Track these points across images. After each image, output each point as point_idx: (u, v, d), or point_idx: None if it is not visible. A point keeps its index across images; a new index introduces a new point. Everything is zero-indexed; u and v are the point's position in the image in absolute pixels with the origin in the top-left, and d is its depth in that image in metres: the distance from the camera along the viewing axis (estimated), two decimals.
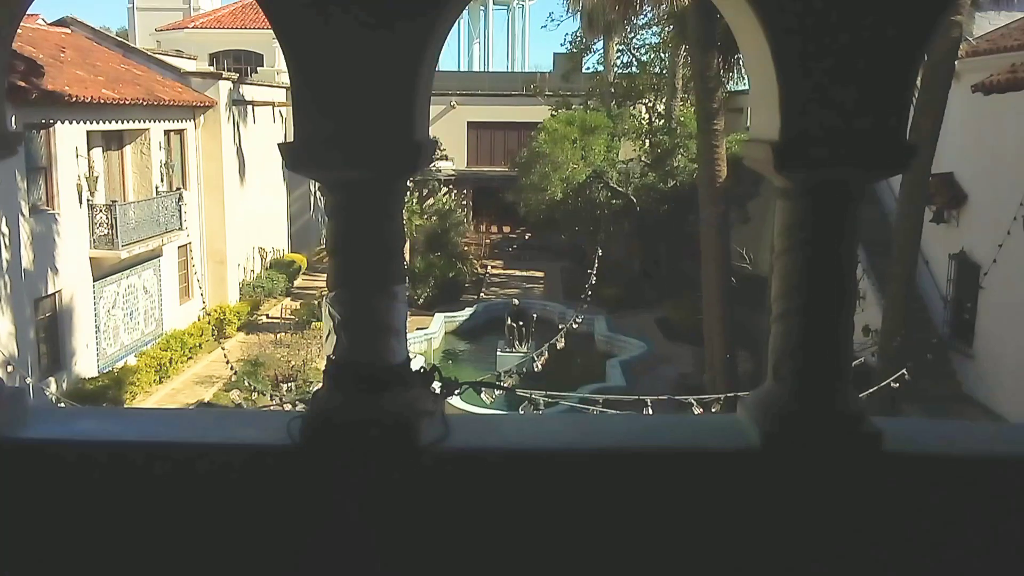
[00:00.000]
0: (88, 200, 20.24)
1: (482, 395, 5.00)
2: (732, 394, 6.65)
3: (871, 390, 8.95)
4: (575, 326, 7.30)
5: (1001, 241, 14.30)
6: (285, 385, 20.96)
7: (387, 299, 2.73)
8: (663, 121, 34.16)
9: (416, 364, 3.01)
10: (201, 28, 44.49)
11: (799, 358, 2.56)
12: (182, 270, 25.73)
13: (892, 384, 8.90)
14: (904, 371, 9.20)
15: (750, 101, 2.90)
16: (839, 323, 2.57)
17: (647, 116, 36.20)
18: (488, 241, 41.63)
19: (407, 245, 33.22)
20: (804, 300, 2.53)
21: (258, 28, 44.28)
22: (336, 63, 2.55)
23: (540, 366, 6.14)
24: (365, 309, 2.70)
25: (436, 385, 3.01)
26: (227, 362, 9.75)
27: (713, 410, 6.04)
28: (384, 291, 2.72)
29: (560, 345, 6.91)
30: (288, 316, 28.11)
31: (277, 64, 43.32)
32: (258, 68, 43.17)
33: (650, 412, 5.37)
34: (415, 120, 2.63)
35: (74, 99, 18.63)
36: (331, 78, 2.57)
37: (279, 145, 2.69)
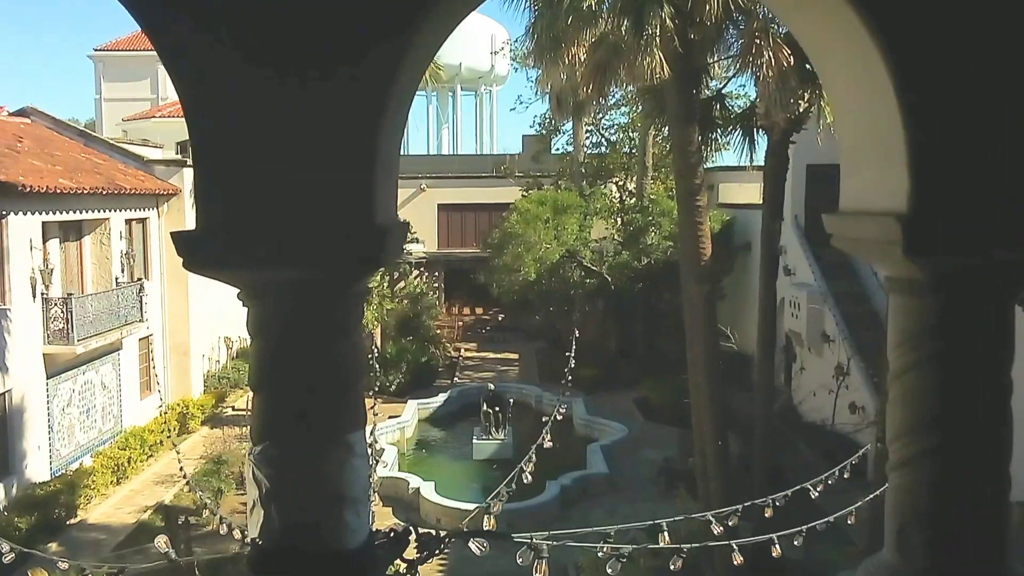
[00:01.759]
0: (43, 294, 19.36)
1: (471, 546, 4.21)
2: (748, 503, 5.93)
3: (874, 493, 8.21)
4: (559, 418, 6.59)
5: None
6: None
7: (341, 454, 2.05)
8: (635, 199, 34.01)
9: (386, 523, 2.30)
10: (168, 117, 44.09)
11: (934, 524, 1.82)
12: (143, 363, 24.73)
13: None
14: None
15: (844, 160, 2.21)
16: (995, 471, 1.82)
17: (618, 195, 36.09)
18: (461, 324, 40.92)
19: (378, 331, 32.66)
20: (939, 439, 1.81)
21: None
22: (262, 120, 1.91)
23: (530, 476, 5.40)
24: (307, 471, 2.02)
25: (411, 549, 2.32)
26: (181, 469, 8.88)
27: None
28: (336, 442, 2.04)
29: (547, 444, 6.18)
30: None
31: None
32: None
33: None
34: (376, 196, 1.99)
35: (28, 189, 17.91)
36: (256, 141, 1.91)
37: (172, 234, 2.02)
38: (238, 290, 2.09)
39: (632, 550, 4.27)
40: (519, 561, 3.63)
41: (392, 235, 2.04)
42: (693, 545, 4.67)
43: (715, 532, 5.21)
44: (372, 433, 8.58)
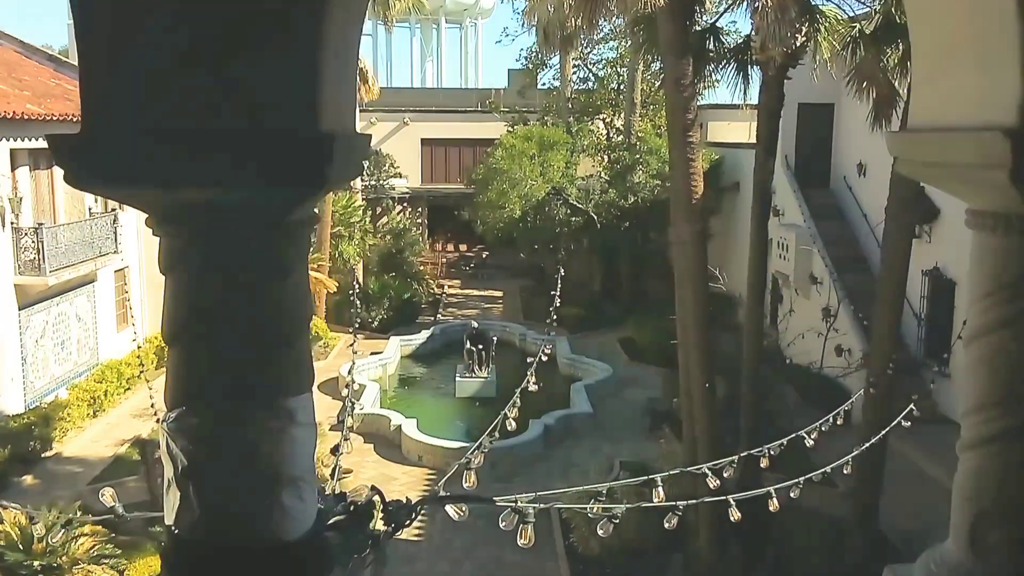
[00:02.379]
0: (12, 223, 18.76)
1: (448, 510, 3.86)
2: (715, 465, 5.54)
3: (885, 430, 7.98)
4: (544, 358, 6.18)
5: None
6: None
7: (279, 423, 1.65)
8: (622, 137, 33.44)
9: (347, 492, 1.96)
10: None
11: (1020, 519, 1.45)
12: (120, 295, 24.23)
13: (904, 424, 7.90)
14: (912, 407, 8.19)
15: (918, 66, 1.75)
16: None
17: (606, 132, 35.49)
18: (444, 260, 40.52)
19: (360, 266, 32.22)
20: None
21: None
22: None
23: (514, 423, 5.01)
24: (235, 444, 1.63)
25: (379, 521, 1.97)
26: (152, 406, 8.45)
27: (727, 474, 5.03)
28: (273, 408, 1.65)
29: (532, 387, 5.77)
30: None
31: None
32: None
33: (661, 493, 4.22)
34: (321, 97, 1.53)
35: None
36: (159, 14, 1.44)
37: (48, 138, 1.59)
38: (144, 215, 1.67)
39: (625, 510, 3.92)
40: (502, 525, 3.29)
41: (343, 147, 1.59)
42: (690, 502, 4.34)
43: (710, 486, 4.88)
44: (351, 372, 8.22)
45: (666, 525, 4.45)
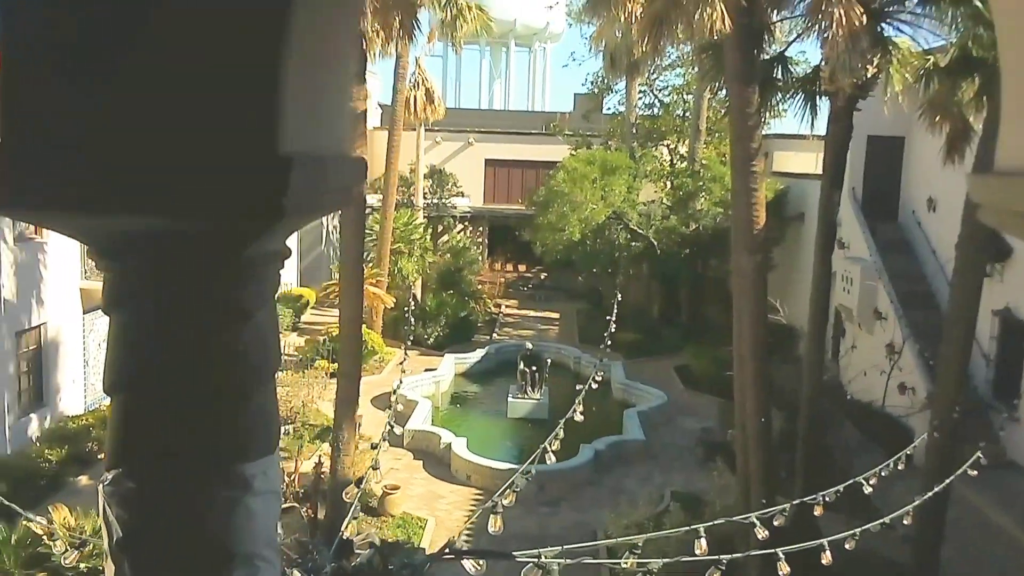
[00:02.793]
0: None
1: (466, 564, 3.71)
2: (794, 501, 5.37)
3: (951, 477, 7.68)
4: (594, 386, 6.04)
5: None
6: (283, 428, 19.81)
7: (232, 492, 1.47)
8: (685, 164, 33.18)
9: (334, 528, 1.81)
10: None
11: None
12: None
13: (969, 472, 7.61)
14: (979, 454, 7.89)
15: (1008, 100, 1.58)
16: None
17: (669, 158, 35.27)
18: (503, 280, 40.55)
19: (419, 283, 32.40)
20: None
21: None
22: None
23: (553, 457, 4.87)
24: (180, 515, 1.46)
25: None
26: None
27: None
28: (225, 474, 1.47)
29: (579, 417, 5.63)
30: (291, 353, 26.98)
31: None
32: None
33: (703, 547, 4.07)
34: (283, 115, 1.34)
35: None
36: (88, 16, 1.31)
37: None
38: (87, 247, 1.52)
39: (663, 564, 3.77)
40: None
41: (311, 173, 1.38)
42: (735, 556, 4.17)
43: (759, 536, 4.70)
44: (395, 392, 8.19)
45: None
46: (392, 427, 6.84)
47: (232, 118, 1.31)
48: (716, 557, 4.23)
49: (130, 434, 1.46)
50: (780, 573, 4.65)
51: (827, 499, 6.53)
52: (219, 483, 1.45)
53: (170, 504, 1.44)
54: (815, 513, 6.23)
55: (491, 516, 3.91)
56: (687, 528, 4.28)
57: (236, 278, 1.45)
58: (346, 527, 3.83)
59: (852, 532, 5.57)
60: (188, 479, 1.44)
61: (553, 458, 5.51)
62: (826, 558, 5.15)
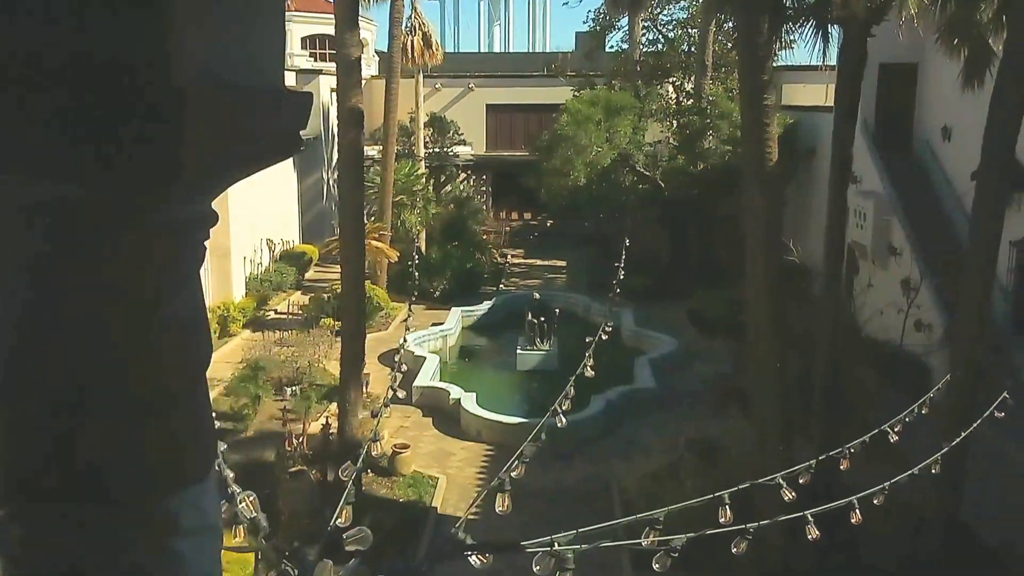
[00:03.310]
0: None
1: (471, 559, 3.33)
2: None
3: (974, 424, 7.23)
4: (604, 337, 5.56)
5: None
6: (289, 389, 19.52)
7: (146, 531, 1.13)
8: (692, 101, 32.33)
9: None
10: None
11: None
12: None
13: (997, 413, 7.14)
14: (1006, 394, 7.40)
15: None
16: None
17: (675, 96, 34.41)
18: (508, 229, 39.99)
19: (423, 235, 31.89)
20: None
21: None
22: None
23: (564, 420, 4.42)
24: (77, 563, 1.09)
25: None
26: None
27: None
28: (135, 511, 1.12)
29: (590, 373, 5.15)
30: (296, 311, 26.65)
31: (290, 47, 41.94)
32: None
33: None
34: (178, 32, 0.94)
35: None
36: None
37: None
38: None
39: (686, 539, 3.33)
40: (536, 569, 2.75)
41: (222, 112, 1.00)
42: (761, 523, 3.73)
43: (785, 498, 4.26)
44: (399, 355, 7.73)
45: (733, 550, 3.86)
46: (395, 391, 6.44)
47: (97, 30, 0.90)
48: (742, 526, 3.83)
49: (12, 463, 1.09)
50: (809, 536, 4.26)
51: (852, 450, 6.12)
52: (132, 523, 1.11)
53: (66, 551, 1.10)
54: (840, 467, 5.84)
55: (498, 495, 3.51)
56: (711, 496, 3.88)
57: (136, 258, 1.07)
58: (338, 515, 3.40)
59: (882, 487, 5.17)
60: (88, 519, 1.10)
61: (564, 420, 5.07)
62: (856, 517, 4.75)
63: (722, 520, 4.01)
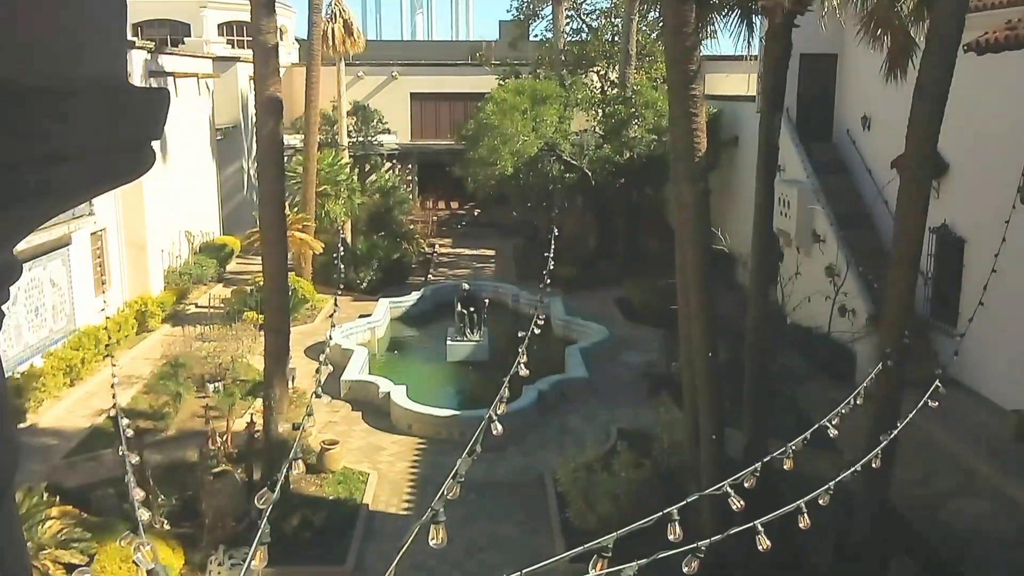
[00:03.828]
0: None
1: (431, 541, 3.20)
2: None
3: (910, 416, 7.31)
4: (537, 331, 5.44)
5: (1005, 215, 12.79)
6: (212, 385, 18.93)
7: None
8: (617, 90, 32.40)
9: None
10: None
11: None
12: (96, 259, 23.36)
13: (930, 403, 7.29)
14: (938, 383, 7.56)
15: None
16: None
17: (600, 85, 34.45)
18: (435, 219, 39.63)
19: (348, 225, 31.32)
20: None
21: None
22: None
23: (500, 428, 4.24)
24: None
25: None
26: (113, 388, 7.63)
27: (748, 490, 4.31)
28: None
29: (524, 372, 5.01)
30: (217, 305, 25.92)
31: (206, 34, 40.72)
32: (185, 38, 40.54)
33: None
34: None
35: None
36: None
37: None
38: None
39: (637, 566, 3.19)
40: None
41: (27, 115, 0.78)
42: (713, 539, 3.62)
43: (734, 507, 4.17)
44: (325, 349, 7.49)
45: (685, 569, 3.71)
46: (319, 396, 6.17)
47: None
48: (693, 545, 3.71)
49: None
50: (760, 547, 4.17)
51: (794, 448, 6.08)
52: None
53: None
54: (784, 467, 5.77)
55: (432, 527, 3.29)
56: (661, 513, 3.73)
57: None
58: (252, 557, 3.17)
59: (827, 487, 5.12)
60: None
61: (500, 428, 4.87)
62: (804, 522, 4.68)
63: (672, 537, 3.89)
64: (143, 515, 3.86)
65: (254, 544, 3.12)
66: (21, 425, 17.42)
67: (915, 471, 14.79)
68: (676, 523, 3.77)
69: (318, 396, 5.59)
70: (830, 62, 25.21)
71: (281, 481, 3.70)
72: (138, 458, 14.11)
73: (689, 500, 4.02)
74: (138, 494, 4.12)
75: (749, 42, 15.87)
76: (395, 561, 2.90)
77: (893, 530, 12.83)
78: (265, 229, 14.62)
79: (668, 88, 13.40)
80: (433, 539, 3.26)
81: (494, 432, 4.59)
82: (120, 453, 5.01)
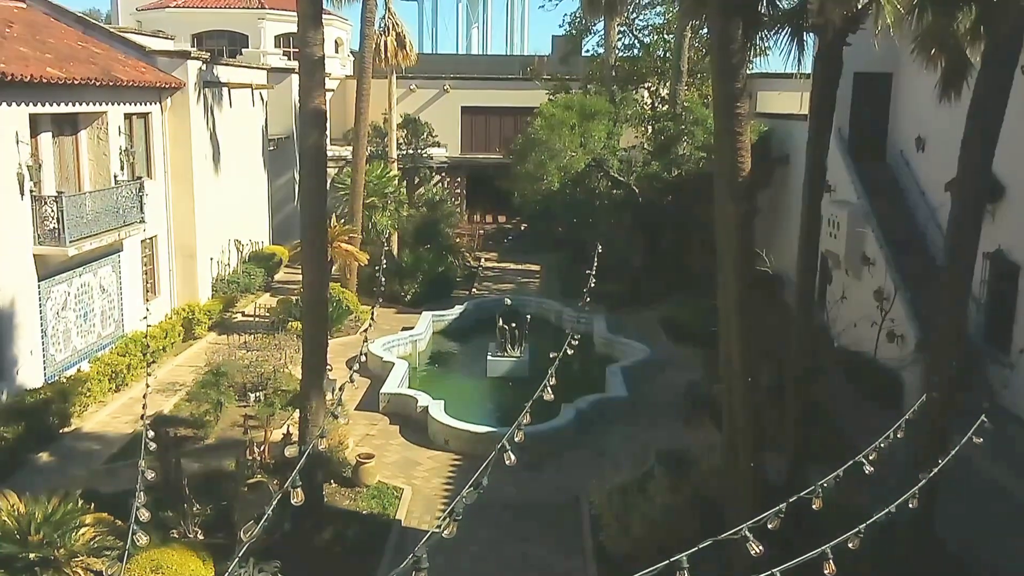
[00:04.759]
0: (31, 191, 18.19)
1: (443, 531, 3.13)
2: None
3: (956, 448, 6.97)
4: (570, 352, 5.23)
5: None
6: (253, 395, 19.04)
7: None
8: (667, 106, 32.15)
9: None
10: (183, 8, 42.40)
11: None
12: (147, 266, 23.72)
13: (975, 439, 6.89)
14: (984, 417, 7.13)
15: None
16: None
17: (650, 101, 34.22)
18: (482, 232, 39.64)
19: (394, 238, 31.43)
20: None
21: (242, 8, 42.25)
22: None
23: (513, 458, 4.09)
24: None
25: None
26: (144, 398, 7.59)
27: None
28: None
29: (548, 397, 4.82)
30: (263, 314, 26.14)
31: (263, 45, 41.34)
32: (243, 49, 41.21)
33: None
34: None
35: (10, 78, 16.57)
36: None
37: None
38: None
39: None
40: None
41: None
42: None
43: (752, 552, 3.97)
44: (358, 359, 7.40)
45: None
46: (336, 417, 6.09)
47: None
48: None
49: None
50: (753, 552, 3.98)
51: (824, 486, 5.83)
52: None
53: None
54: (813, 507, 5.54)
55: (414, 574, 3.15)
56: (669, 561, 3.57)
57: None
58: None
59: (857, 530, 4.89)
60: None
61: (513, 458, 4.73)
62: (830, 568, 4.46)
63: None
64: (140, 539, 3.80)
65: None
66: (65, 430, 17.69)
67: (962, 505, 14.29)
68: (686, 571, 3.60)
69: (335, 417, 5.50)
70: (884, 81, 24.71)
71: (275, 503, 3.61)
72: (172, 465, 14.10)
73: (702, 546, 3.84)
74: (143, 514, 4.06)
75: (799, 60, 15.54)
76: None
77: (937, 565, 12.39)
78: (306, 240, 14.64)
79: (713, 105, 13.19)
80: (446, 530, 3.15)
81: (507, 463, 4.46)
82: (140, 467, 4.96)
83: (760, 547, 3.93)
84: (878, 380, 18.68)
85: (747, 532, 3.86)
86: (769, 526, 4.55)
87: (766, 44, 16.44)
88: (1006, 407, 17.63)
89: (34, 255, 18.29)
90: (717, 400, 16.51)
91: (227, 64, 29.06)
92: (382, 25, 30.25)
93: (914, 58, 14.46)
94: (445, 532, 3.43)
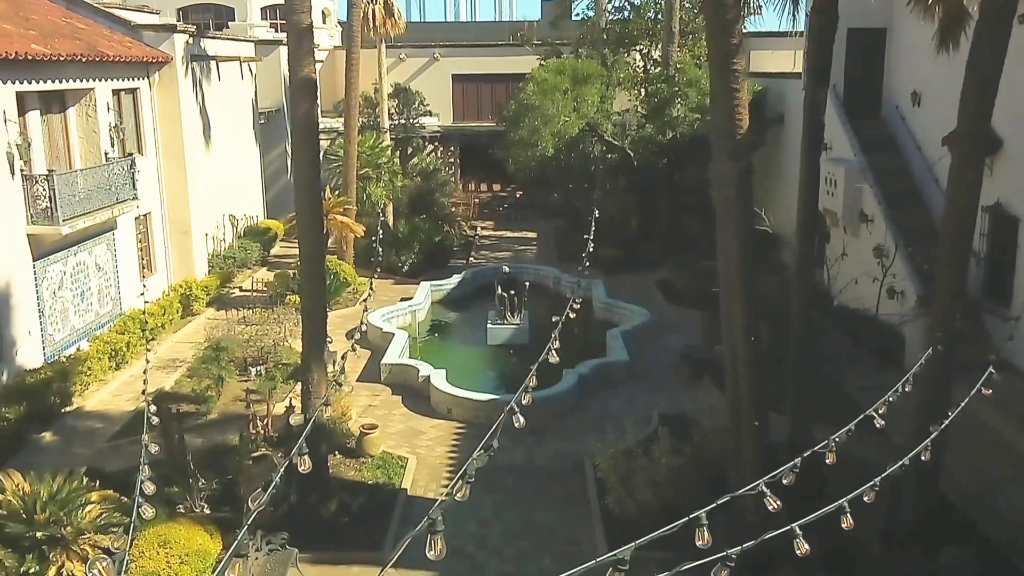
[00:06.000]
0: (21, 170, 18.01)
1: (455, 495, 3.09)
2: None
3: (963, 403, 6.94)
4: (572, 315, 5.18)
5: None
6: (254, 369, 19.03)
7: None
8: (660, 69, 31.88)
9: None
10: None
11: None
12: (142, 243, 23.59)
13: (984, 390, 6.85)
14: (991, 368, 7.09)
15: None
16: None
17: (642, 64, 33.92)
18: (477, 201, 39.51)
19: (389, 209, 31.31)
20: None
21: None
22: None
23: (522, 420, 4.04)
24: None
25: None
26: (145, 378, 7.52)
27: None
28: None
29: (554, 359, 4.77)
30: (261, 289, 26.06)
31: (249, 17, 40.89)
32: (229, 22, 40.75)
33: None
34: None
35: None
36: None
37: None
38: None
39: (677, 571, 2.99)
40: None
41: None
42: (744, 546, 3.40)
43: (770, 507, 3.93)
44: (358, 329, 7.36)
45: None
46: (340, 385, 6.04)
47: None
48: (723, 554, 3.51)
49: None
50: (798, 552, 3.94)
51: (836, 440, 5.81)
52: None
53: None
54: (827, 461, 5.51)
55: (430, 537, 3.11)
56: (688, 518, 3.54)
57: None
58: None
59: (872, 484, 4.87)
60: None
61: (523, 420, 4.69)
62: (847, 522, 4.43)
63: (700, 543, 3.68)
64: (146, 512, 3.76)
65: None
66: (68, 409, 17.67)
67: (967, 457, 14.33)
68: (705, 528, 3.57)
69: (339, 385, 5.47)
70: (878, 36, 24.47)
71: (282, 471, 3.57)
72: (175, 441, 14.06)
73: (719, 503, 3.81)
74: (148, 487, 4.01)
75: (794, 16, 15.36)
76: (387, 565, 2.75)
77: (943, 517, 12.46)
78: (300, 212, 14.52)
79: (709, 63, 13.06)
80: (431, 551, 3.09)
81: (515, 424, 4.42)
82: (143, 441, 4.90)
83: (778, 502, 3.90)
84: (879, 337, 18.69)
85: (764, 487, 3.83)
86: (784, 481, 4.53)
87: (759, 2, 16.29)
88: (1009, 360, 17.66)
89: (28, 235, 18.16)
90: (718, 361, 16.52)
91: (214, 37, 28.72)
92: None
93: (911, 9, 14.30)
94: (458, 495, 3.39)
